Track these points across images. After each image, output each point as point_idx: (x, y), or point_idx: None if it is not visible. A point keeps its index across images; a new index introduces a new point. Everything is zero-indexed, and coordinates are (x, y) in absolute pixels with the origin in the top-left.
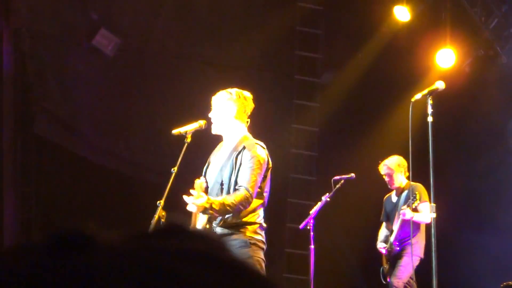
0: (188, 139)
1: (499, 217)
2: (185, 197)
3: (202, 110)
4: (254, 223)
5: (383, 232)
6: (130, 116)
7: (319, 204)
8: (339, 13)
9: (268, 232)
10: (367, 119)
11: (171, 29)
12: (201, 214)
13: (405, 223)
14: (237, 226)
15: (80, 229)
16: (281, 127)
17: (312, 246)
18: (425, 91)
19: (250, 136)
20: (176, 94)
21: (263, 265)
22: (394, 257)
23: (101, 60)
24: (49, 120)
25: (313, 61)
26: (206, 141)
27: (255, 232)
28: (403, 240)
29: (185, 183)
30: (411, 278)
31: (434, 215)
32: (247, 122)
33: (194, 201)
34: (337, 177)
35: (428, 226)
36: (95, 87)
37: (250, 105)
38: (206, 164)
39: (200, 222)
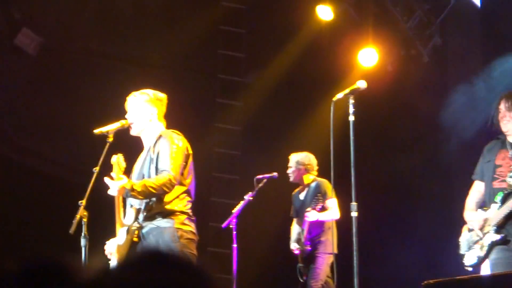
0: (110, 139)
1: (419, 216)
2: (106, 180)
3: (124, 109)
4: (181, 212)
5: (295, 229)
6: (52, 115)
7: (242, 203)
8: (262, 12)
9: None
10: (290, 118)
11: (93, 28)
12: (128, 209)
13: (313, 222)
14: (163, 214)
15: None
16: (204, 126)
17: (235, 245)
18: (347, 91)
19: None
20: (99, 93)
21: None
22: (308, 257)
23: (24, 59)
24: None
25: (237, 60)
26: (128, 140)
27: (183, 224)
28: (314, 239)
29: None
30: (328, 276)
31: (356, 214)
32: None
33: (115, 183)
34: (259, 176)
35: (344, 224)
36: (17, 86)
37: (165, 107)
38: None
39: (128, 219)
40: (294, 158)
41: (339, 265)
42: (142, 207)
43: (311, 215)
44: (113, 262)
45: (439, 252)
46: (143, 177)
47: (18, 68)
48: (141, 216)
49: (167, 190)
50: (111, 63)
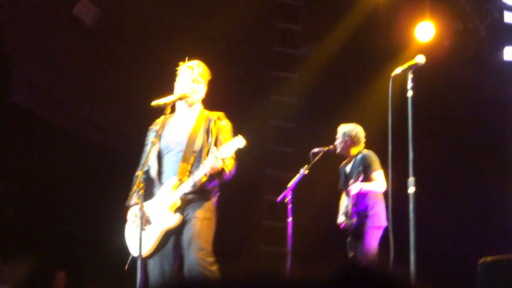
0: (168, 111)
1: (476, 194)
2: (214, 151)
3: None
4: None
5: (343, 202)
6: (108, 86)
7: (297, 176)
8: None
9: (245, 203)
10: (346, 91)
11: (150, 0)
12: (169, 179)
13: (359, 195)
14: (210, 192)
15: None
16: (260, 98)
17: (290, 219)
18: (405, 66)
19: None
20: (155, 65)
21: None
22: (356, 230)
23: (81, 29)
24: (27, 88)
25: (293, 33)
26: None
27: (216, 200)
28: (361, 212)
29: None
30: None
31: (413, 189)
32: None
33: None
34: (315, 150)
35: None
36: (74, 57)
37: None
38: (154, 132)
39: (168, 185)
40: (342, 129)
41: (395, 239)
42: (192, 183)
43: (354, 188)
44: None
45: (497, 230)
46: (195, 151)
47: (75, 39)
48: (190, 187)
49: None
50: (168, 35)
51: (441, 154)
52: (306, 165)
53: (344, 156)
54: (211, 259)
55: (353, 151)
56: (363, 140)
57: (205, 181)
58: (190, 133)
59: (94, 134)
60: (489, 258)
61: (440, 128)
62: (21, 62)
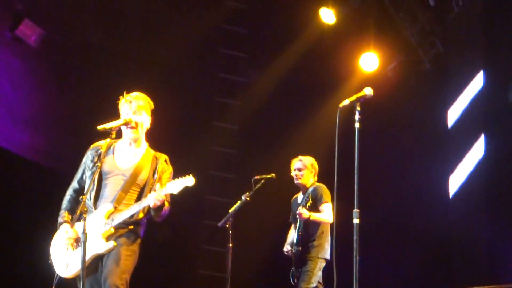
0: (113, 135)
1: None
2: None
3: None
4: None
5: (291, 234)
6: (51, 108)
7: (239, 202)
8: (264, 12)
9: (185, 228)
10: (288, 119)
11: (95, 22)
12: (103, 205)
13: (307, 224)
14: (138, 223)
15: None
16: (202, 124)
17: (230, 244)
18: (353, 97)
19: None
20: (98, 88)
21: None
22: (300, 259)
23: (24, 50)
24: None
25: (237, 60)
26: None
27: (142, 232)
28: (306, 242)
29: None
30: (319, 282)
31: (358, 221)
32: None
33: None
34: (257, 177)
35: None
36: (16, 78)
37: None
38: (96, 155)
39: (101, 212)
40: (307, 160)
41: (338, 272)
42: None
43: (304, 213)
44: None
45: (440, 262)
46: (142, 182)
47: (18, 60)
48: (118, 219)
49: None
50: (112, 59)
51: (386, 186)
52: (248, 192)
53: (301, 186)
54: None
55: (309, 183)
56: (315, 175)
57: (142, 217)
58: (136, 166)
59: (35, 157)
60: None
61: (384, 159)
62: None
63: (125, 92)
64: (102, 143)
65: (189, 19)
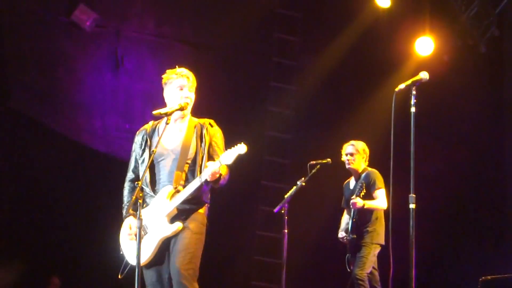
0: (169, 121)
1: (477, 210)
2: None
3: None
4: (209, 201)
5: (344, 219)
6: (105, 93)
7: (294, 188)
8: None
9: (240, 213)
10: (344, 104)
11: (149, 7)
12: (163, 187)
13: (360, 211)
14: (202, 202)
15: None
16: (258, 109)
17: (286, 230)
18: (409, 82)
19: None
20: (153, 74)
21: None
22: (355, 246)
23: (79, 35)
24: (25, 93)
25: (292, 44)
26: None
27: (207, 212)
28: (360, 228)
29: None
30: (373, 267)
31: (414, 206)
32: None
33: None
34: (313, 162)
35: (402, 216)
36: (71, 63)
37: None
38: (144, 139)
39: (163, 194)
40: (359, 145)
41: (394, 257)
42: (184, 195)
43: (357, 202)
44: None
45: (496, 249)
46: (192, 155)
47: (74, 45)
48: (180, 198)
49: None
50: (166, 43)
51: (441, 171)
52: (303, 177)
53: (353, 171)
54: (194, 275)
55: (361, 168)
56: (367, 160)
57: (199, 187)
58: (183, 141)
59: (91, 141)
60: (489, 277)
61: (440, 144)
62: (19, 66)
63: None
64: (147, 127)
65: (244, 3)
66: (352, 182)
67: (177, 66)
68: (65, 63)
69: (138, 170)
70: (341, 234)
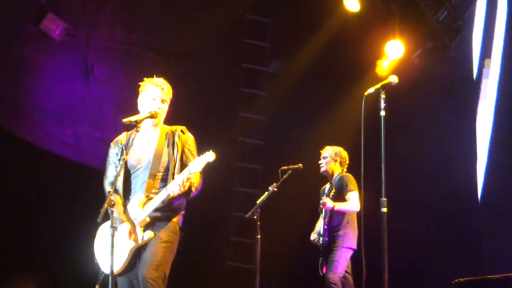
0: (139, 128)
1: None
2: (178, 177)
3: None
4: (184, 209)
5: (319, 223)
6: (76, 102)
7: (266, 193)
8: (288, 1)
9: (213, 220)
10: (315, 109)
11: (118, 15)
12: (135, 196)
13: (332, 214)
14: (175, 211)
15: None
16: (229, 115)
17: (259, 236)
18: (378, 85)
19: None
20: (123, 82)
21: None
22: (326, 249)
23: (49, 44)
24: None
25: (262, 50)
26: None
27: (181, 220)
28: (332, 231)
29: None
30: (346, 271)
31: (385, 209)
32: None
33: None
34: (284, 167)
35: (373, 220)
36: (41, 72)
37: None
38: (120, 149)
39: (135, 202)
40: (332, 150)
41: (367, 261)
42: (157, 202)
43: (328, 202)
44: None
45: (470, 251)
46: (164, 163)
47: (42, 54)
48: (153, 205)
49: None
50: (135, 51)
51: (412, 173)
52: (275, 183)
53: (326, 175)
54: (163, 283)
55: (336, 172)
56: (346, 164)
57: (172, 198)
58: (155, 149)
59: (62, 150)
60: (462, 279)
61: (410, 146)
62: None
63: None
64: (122, 137)
65: (213, 10)
66: (328, 187)
67: (154, 76)
68: (34, 72)
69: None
70: (314, 236)
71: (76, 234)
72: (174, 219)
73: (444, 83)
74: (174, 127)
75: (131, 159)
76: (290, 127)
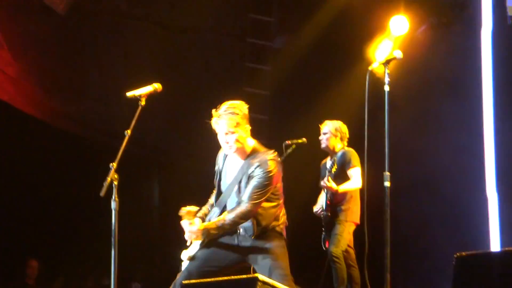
0: (143, 102)
1: (450, 188)
2: (183, 224)
3: (152, 72)
4: (282, 222)
5: (322, 196)
6: (81, 76)
7: None
8: None
9: None
10: (319, 84)
11: None
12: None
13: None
14: (268, 231)
15: None
16: (233, 90)
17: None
18: (383, 60)
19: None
20: (128, 56)
21: None
22: (329, 224)
23: (52, 18)
24: None
25: (267, 25)
26: (159, 105)
27: (283, 229)
28: (335, 206)
29: (136, 146)
30: (349, 245)
31: (389, 184)
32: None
33: (189, 229)
34: (288, 142)
35: (377, 195)
36: (45, 46)
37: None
38: (217, 168)
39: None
40: (332, 125)
41: (370, 235)
42: (248, 234)
43: (332, 186)
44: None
45: (471, 226)
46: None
47: (47, 28)
48: (247, 237)
49: (244, 221)
50: (140, 25)
51: (416, 150)
52: (279, 157)
53: (327, 150)
54: None
55: (337, 147)
56: (347, 137)
57: None
58: (232, 179)
59: (67, 125)
60: (464, 253)
61: (415, 122)
62: None
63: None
64: (222, 152)
65: None
66: (329, 161)
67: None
68: (38, 47)
69: None
70: (317, 207)
71: (79, 207)
72: None
73: (449, 60)
74: (258, 156)
75: (222, 184)
76: (295, 101)
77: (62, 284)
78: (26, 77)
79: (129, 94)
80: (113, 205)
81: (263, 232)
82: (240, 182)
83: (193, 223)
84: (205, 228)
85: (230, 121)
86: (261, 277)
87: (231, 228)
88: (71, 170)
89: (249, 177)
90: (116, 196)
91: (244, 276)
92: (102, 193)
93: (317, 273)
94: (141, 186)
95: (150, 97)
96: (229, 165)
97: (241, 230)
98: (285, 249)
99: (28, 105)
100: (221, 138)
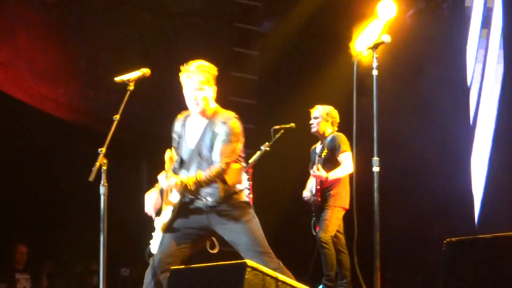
0: (131, 87)
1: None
2: (159, 178)
3: (140, 57)
4: (243, 188)
5: (310, 181)
6: (68, 61)
7: (258, 153)
8: None
9: None
10: (307, 69)
11: None
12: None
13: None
14: (231, 196)
15: None
16: (220, 75)
17: (251, 195)
18: (371, 44)
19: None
20: (115, 40)
21: None
22: (318, 209)
23: (41, 3)
24: None
25: (254, 9)
26: (147, 90)
27: (246, 196)
28: (324, 191)
29: (125, 131)
30: (338, 231)
31: (378, 169)
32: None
33: (167, 182)
34: (277, 127)
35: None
36: (34, 31)
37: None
38: (177, 136)
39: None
40: (323, 109)
41: (359, 221)
42: (210, 199)
43: (322, 174)
44: (155, 239)
45: (460, 212)
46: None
47: (34, 13)
48: (210, 202)
49: (218, 180)
50: (127, 10)
51: (403, 135)
52: (267, 142)
53: (317, 135)
54: None
55: (327, 132)
56: (337, 123)
57: None
58: (198, 140)
59: (55, 110)
60: (454, 239)
61: (402, 105)
62: None
63: (184, 64)
64: (180, 119)
65: None
66: (318, 146)
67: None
68: (27, 31)
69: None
70: (306, 193)
71: (68, 191)
72: None
73: (437, 44)
74: (220, 115)
75: (183, 149)
76: (282, 87)
77: (49, 269)
78: (14, 61)
79: (118, 79)
80: (102, 190)
81: (229, 195)
82: (204, 140)
83: (169, 177)
84: (182, 182)
85: (202, 77)
86: (249, 262)
87: (207, 185)
88: (60, 155)
89: (214, 134)
90: (105, 181)
91: (233, 262)
92: (91, 178)
93: (306, 259)
94: (129, 171)
95: (139, 82)
96: (189, 129)
97: (208, 197)
98: (256, 218)
99: (16, 89)
100: (189, 94)
